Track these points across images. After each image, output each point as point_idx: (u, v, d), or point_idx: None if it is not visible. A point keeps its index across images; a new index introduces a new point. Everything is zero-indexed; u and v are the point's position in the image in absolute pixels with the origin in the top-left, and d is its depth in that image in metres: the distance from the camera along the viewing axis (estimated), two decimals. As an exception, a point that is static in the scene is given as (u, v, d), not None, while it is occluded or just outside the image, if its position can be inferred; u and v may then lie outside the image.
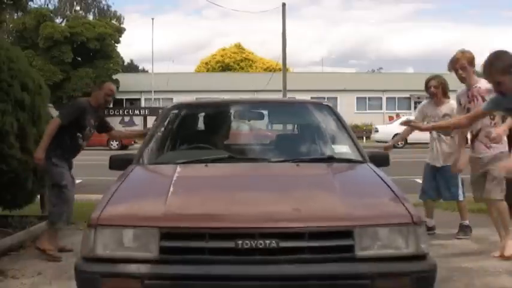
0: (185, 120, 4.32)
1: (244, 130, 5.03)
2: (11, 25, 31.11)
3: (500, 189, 4.55)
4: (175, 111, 4.31)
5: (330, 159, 3.60)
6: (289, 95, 27.20)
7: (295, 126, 5.04)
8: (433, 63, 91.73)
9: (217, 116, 4.42)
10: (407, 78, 35.61)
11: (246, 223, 2.51)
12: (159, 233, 2.48)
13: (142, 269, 2.46)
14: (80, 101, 5.00)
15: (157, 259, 2.48)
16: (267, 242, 2.44)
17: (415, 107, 28.40)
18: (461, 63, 4.65)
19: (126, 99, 35.47)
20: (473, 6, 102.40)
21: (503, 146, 4.58)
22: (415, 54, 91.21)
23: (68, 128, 4.70)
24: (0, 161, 4.75)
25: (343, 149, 3.83)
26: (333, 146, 3.94)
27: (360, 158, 3.62)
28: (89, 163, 10.86)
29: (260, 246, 2.44)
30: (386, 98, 36.53)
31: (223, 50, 51.57)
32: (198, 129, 4.43)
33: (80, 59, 33.38)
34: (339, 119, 4.06)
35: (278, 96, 27.30)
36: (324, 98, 35.22)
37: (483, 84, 4.50)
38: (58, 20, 36.52)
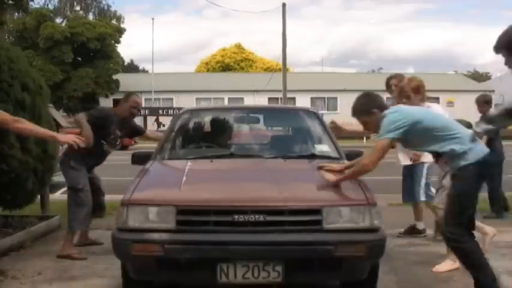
0: (193, 123, 5.07)
1: (243, 131, 5.76)
2: (11, 25, 31.04)
3: (441, 199, 4.47)
4: (186, 116, 5.06)
5: (312, 156, 4.32)
6: (289, 95, 27.21)
7: (285, 128, 5.89)
8: (433, 63, 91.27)
9: (220, 119, 5.14)
10: (408, 78, 35.49)
11: (241, 202, 3.22)
12: (176, 210, 3.17)
13: (163, 236, 3.15)
14: (108, 110, 5.31)
15: (175, 229, 3.17)
16: (257, 216, 3.13)
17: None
18: (404, 91, 4.60)
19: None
20: (474, 6, 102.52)
21: None
22: (416, 54, 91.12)
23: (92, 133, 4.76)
24: (0, 161, 4.74)
25: (323, 148, 4.55)
26: (315, 145, 4.65)
27: (337, 155, 4.35)
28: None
29: (251, 220, 3.13)
30: (387, 98, 36.22)
31: (224, 50, 51.55)
32: (204, 131, 5.07)
33: (80, 59, 33.35)
34: (322, 123, 4.81)
35: (278, 95, 27.35)
36: (324, 98, 35.46)
37: (434, 108, 4.49)
38: (58, 20, 36.49)
